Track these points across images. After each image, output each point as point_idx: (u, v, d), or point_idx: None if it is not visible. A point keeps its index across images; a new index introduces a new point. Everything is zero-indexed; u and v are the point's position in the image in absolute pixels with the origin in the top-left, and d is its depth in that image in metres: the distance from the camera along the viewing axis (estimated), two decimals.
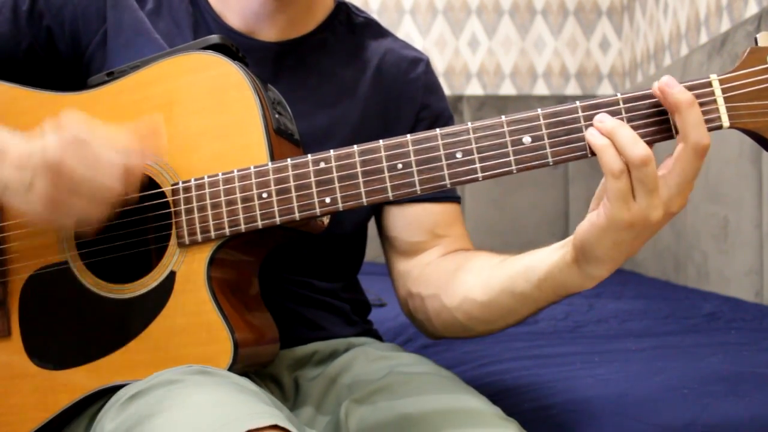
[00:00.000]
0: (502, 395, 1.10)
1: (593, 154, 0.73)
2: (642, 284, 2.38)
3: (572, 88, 3.21)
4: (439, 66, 3.16)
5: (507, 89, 3.22)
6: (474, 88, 3.21)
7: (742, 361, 1.20)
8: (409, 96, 1.05)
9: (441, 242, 1.02)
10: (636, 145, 0.71)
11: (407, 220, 1.02)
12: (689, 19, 2.59)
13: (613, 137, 0.72)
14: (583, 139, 0.74)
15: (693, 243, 2.28)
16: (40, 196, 0.73)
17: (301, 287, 1.00)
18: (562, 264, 0.79)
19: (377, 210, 1.06)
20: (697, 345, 1.36)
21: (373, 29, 1.08)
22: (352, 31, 1.06)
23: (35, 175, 0.73)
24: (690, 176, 0.71)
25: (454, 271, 0.95)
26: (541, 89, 3.22)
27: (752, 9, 2.16)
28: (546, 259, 0.81)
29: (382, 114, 1.03)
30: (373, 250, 1.13)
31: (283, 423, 0.65)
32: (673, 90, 0.71)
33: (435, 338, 1.03)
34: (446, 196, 1.03)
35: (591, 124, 0.73)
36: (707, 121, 0.73)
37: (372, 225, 1.10)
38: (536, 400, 1.06)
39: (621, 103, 0.74)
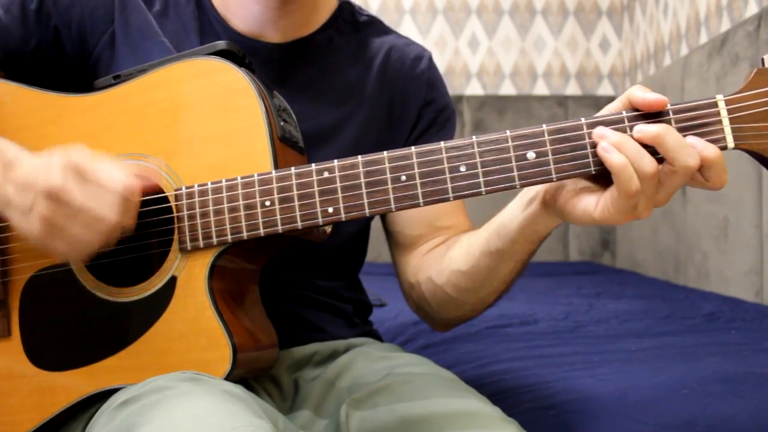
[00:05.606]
0: (502, 395, 1.10)
1: (597, 170, 0.73)
2: (642, 284, 2.38)
3: (572, 88, 3.21)
4: (439, 66, 3.15)
5: (507, 89, 3.22)
6: (474, 88, 3.21)
7: (742, 361, 1.20)
8: (413, 93, 1.06)
9: (442, 234, 1.04)
10: (644, 159, 0.71)
11: (409, 215, 1.04)
12: (689, 19, 2.59)
13: (622, 150, 0.71)
14: (587, 155, 0.73)
15: (693, 243, 2.28)
16: (38, 219, 0.75)
17: (304, 288, 1.01)
18: (530, 219, 0.82)
19: None
20: (697, 345, 1.36)
21: (377, 27, 1.09)
22: (356, 29, 1.07)
23: (36, 198, 0.75)
24: (679, 187, 0.73)
25: (444, 252, 0.99)
26: (541, 89, 3.22)
27: (752, 9, 2.16)
28: (517, 217, 0.84)
29: (387, 111, 1.04)
30: (373, 250, 1.13)
31: None
32: (642, 132, 0.71)
33: (441, 328, 1.06)
34: None
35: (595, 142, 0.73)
36: (712, 142, 0.72)
37: (373, 224, 1.10)
38: (536, 401, 1.06)
39: (626, 121, 0.73)
